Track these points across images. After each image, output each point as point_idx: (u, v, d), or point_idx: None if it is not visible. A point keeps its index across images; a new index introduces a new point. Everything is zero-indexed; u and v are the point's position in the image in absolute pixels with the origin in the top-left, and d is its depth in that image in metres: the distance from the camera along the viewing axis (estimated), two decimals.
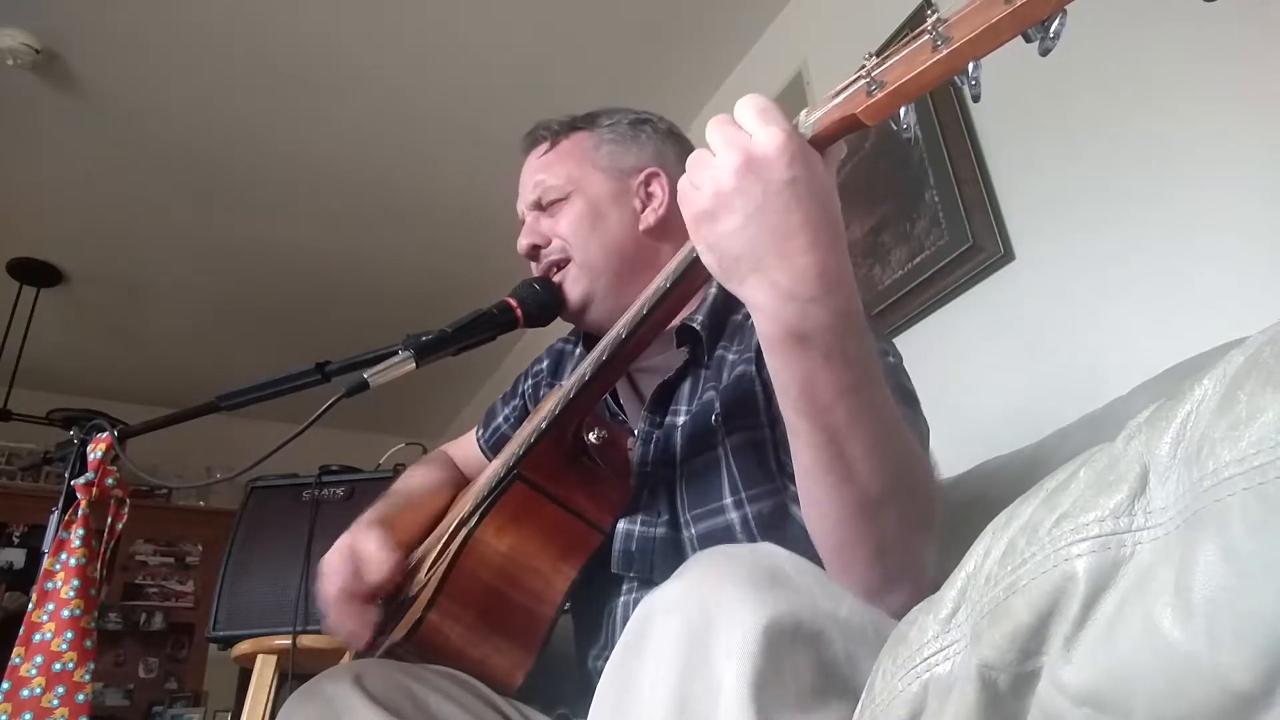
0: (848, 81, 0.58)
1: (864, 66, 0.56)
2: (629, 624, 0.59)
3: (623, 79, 2.65)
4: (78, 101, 2.64)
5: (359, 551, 0.98)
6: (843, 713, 0.50)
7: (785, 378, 0.63)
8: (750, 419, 0.89)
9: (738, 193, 0.59)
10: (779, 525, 0.87)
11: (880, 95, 0.56)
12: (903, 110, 0.56)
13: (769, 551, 0.61)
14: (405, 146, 2.92)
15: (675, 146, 1.14)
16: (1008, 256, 1.67)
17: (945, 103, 1.81)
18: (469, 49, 2.54)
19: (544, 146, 1.12)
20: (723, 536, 0.88)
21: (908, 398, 0.86)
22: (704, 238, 0.62)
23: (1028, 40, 0.50)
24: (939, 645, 0.39)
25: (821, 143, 0.61)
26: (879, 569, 0.66)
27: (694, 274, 0.74)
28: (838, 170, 0.64)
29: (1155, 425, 0.34)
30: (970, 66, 0.52)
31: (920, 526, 0.67)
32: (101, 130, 2.77)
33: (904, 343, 1.71)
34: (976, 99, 0.53)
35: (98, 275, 3.61)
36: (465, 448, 1.31)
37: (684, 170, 1.14)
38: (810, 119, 0.61)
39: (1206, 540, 0.29)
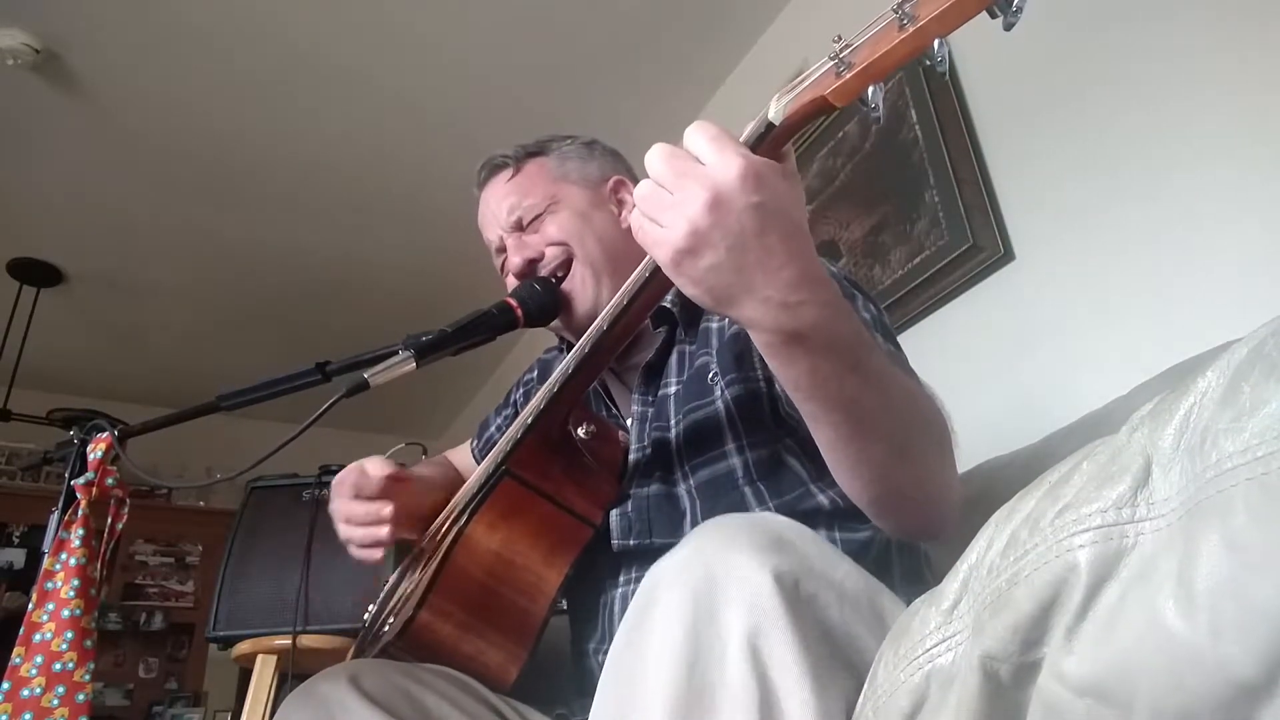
0: (818, 65, 0.59)
1: (834, 49, 0.57)
2: (637, 594, 0.61)
3: (622, 80, 2.65)
4: (78, 101, 2.64)
5: (361, 462, 1.04)
6: (842, 681, 0.51)
7: (793, 375, 0.65)
8: (749, 372, 0.92)
9: (715, 228, 0.59)
10: (775, 473, 0.90)
11: (849, 76, 0.56)
12: (870, 90, 0.56)
13: (769, 518, 0.64)
14: (404, 148, 2.92)
15: (622, 162, 1.19)
16: (1008, 256, 1.67)
17: (945, 102, 1.80)
18: (469, 51, 2.54)
19: (508, 172, 1.14)
20: (724, 481, 0.90)
21: (892, 338, 0.90)
22: (686, 273, 0.62)
23: (992, 16, 0.50)
24: (941, 636, 0.39)
25: (793, 126, 0.62)
26: (916, 507, 0.73)
27: None
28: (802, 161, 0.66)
29: (1159, 417, 0.34)
30: (936, 44, 0.53)
31: (939, 456, 0.73)
32: (101, 130, 2.77)
33: (904, 342, 1.71)
34: (944, 75, 0.54)
35: (98, 275, 3.60)
36: (461, 458, 1.32)
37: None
38: (781, 103, 0.61)
39: (1209, 531, 0.29)
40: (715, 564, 0.55)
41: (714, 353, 0.95)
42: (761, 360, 0.90)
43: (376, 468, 1.03)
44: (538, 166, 1.13)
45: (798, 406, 0.69)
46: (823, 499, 0.87)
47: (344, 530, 1.03)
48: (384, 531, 1.00)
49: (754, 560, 0.55)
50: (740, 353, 0.93)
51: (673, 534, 0.90)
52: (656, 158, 0.62)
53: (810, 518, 0.84)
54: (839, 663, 0.53)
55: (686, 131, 0.62)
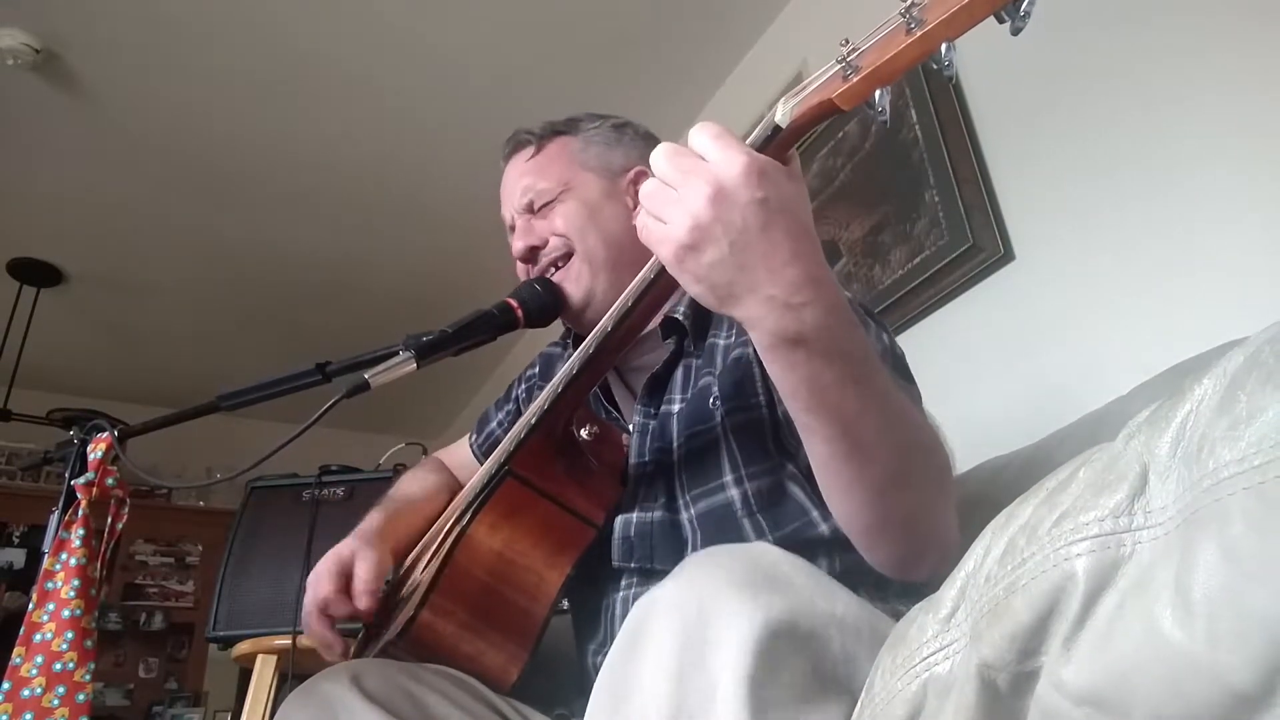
0: (825, 68, 0.59)
1: (840, 52, 0.57)
2: (626, 622, 0.59)
3: (622, 80, 2.65)
4: (78, 101, 2.64)
5: (351, 569, 0.99)
6: (840, 713, 0.50)
7: (792, 382, 0.64)
8: (749, 399, 0.90)
9: (717, 222, 0.58)
10: (777, 503, 0.88)
11: (856, 80, 0.56)
12: (877, 94, 0.56)
13: (766, 551, 0.62)
14: (403, 148, 2.92)
15: (653, 148, 1.16)
16: (1008, 256, 1.67)
17: (945, 102, 1.81)
18: (468, 51, 2.54)
19: (529, 151, 1.12)
20: (722, 514, 0.89)
21: (907, 375, 0.89)
22: (689, 270, 0.61)
23: (1000, 21, 0.50)
24: (938, 645, 0.39)
25: (799, 129, 0.61)
26: (908, 541, 0.70)
27: None
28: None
29: (1155, 425, 0.34)
30: (943, 48, 0.52)
31: (938, 491, 0.70)
32: (101, 130, 2.77)
33: (904, 342, 1.71)
34: (950, 79, 0.53)
35: (98, 275, 3.60)
36: (459, 453, 1.31)
37: None
38: (788, 106, 0.61)
39: (1206, 540, 0.29)
40: (707, 602, 0.54)
41: (716, 375, 0.94)
42: (763, 385, 0.89)
43: (364, 576, 0.98)
44: (560, 147, 1.11)
45: (795, 419, 0.67)
46: (824, 528, 0.85)
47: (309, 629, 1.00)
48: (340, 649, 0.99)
49: (747, 599, 0.53)
50: (741, 379, 0.91)
51: (675, 561, 0.89)
52: (660, 156, 0.62)
53: (812, 547, 0.83)
54: (841, 692, 0.52)
55: (690, 132, 0.62)
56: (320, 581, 0.98)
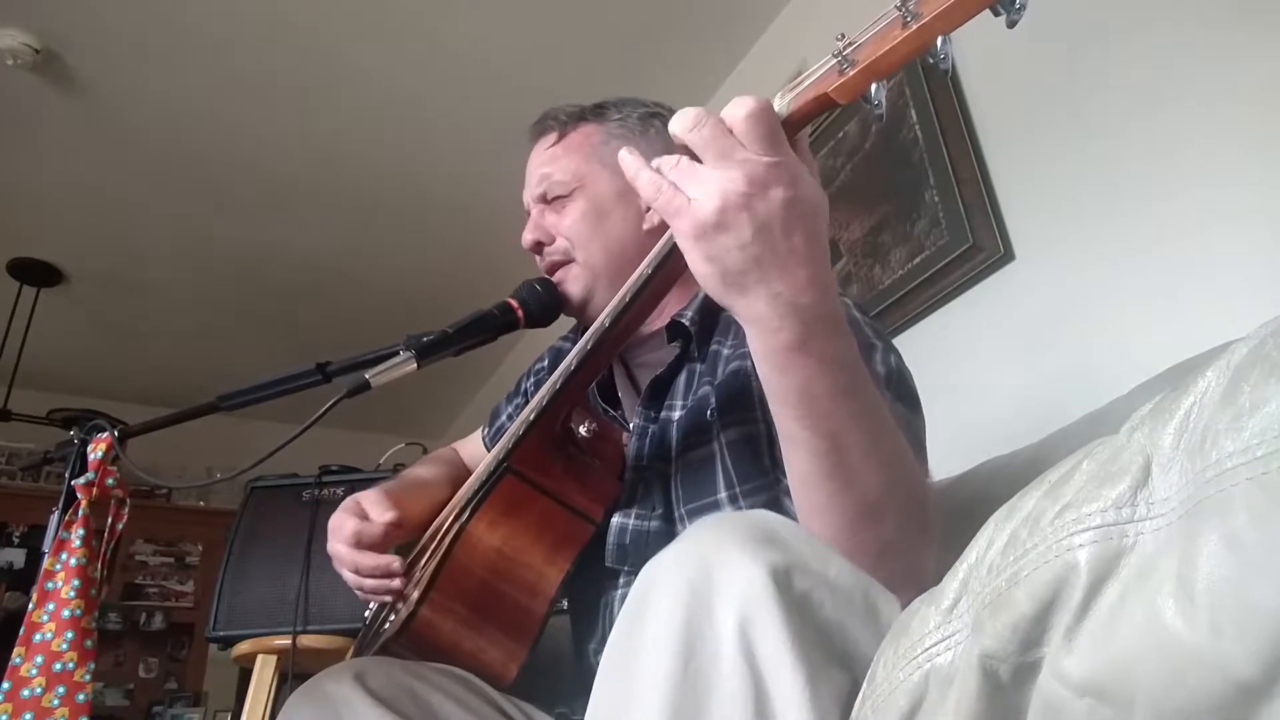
0: (821, 62, 0.59)
1: (837, 47, 0.57)
2: (633, 587, 0.60)
3: (622, 79, 2.64)
4: (78, 101, 2.64)
5: (359, 503, 1.03)
6: (834, 676, 0.51)
7: (784, 387, 0.64)
8: (746, 414, 0.90)
9: (746, 210, 0.58)
10: None
11: (852, 73, 0.56)
12: (873, 87, 0.57)
13: (763, 515, 0.62)
14: (404, 147, 2.92)
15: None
16: (1008, 256, 1.67)
17: (945, 102, 1.81)
18: (467, 49, 2.54)
19: (552, 137, 1.11)
20: None
21: (910, 401, 0.87)
22: (704, 250, 0.60)
23: (995, 14, 0.50)
24: (940, 635, 0.39)
25: (796, 123, 0.62)
26: (881, 573, 0.66)
27: (675, 261, 0.74)
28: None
29: (1158, 417, 0.34)
30: (939, 42, 0.53)
31: (918, 528, 0.69)
32: (101, 130, 2.77)
33: (904, 343, 1.71)
34: (946, 73, 0.54)
35: (98, 275, 3.61)
36: (472, 446, 1.32)
37: None
38: (785, 99, 0.61)
39: (1209, 530, 0.29)
40: (711, 557, 0.55)
41: (714, 385, 0.93)
42: (762, 400, 0.89)
43: (377, 511, 1.01)
44: (582, 138, 1.09)
45: (781, 430, 0.67)
46: None
47: (352, 579, 1.00)
48: (395, 584, 0.97)
49: (749, 554, 0.54)
50: (738, 391, 0.90)
51: None
52: (700, 129, 0.59)
53: None
54: (832, 657, 0.52)
55: (736, 113, 0.59)
56: (342, 525, 1.00)
